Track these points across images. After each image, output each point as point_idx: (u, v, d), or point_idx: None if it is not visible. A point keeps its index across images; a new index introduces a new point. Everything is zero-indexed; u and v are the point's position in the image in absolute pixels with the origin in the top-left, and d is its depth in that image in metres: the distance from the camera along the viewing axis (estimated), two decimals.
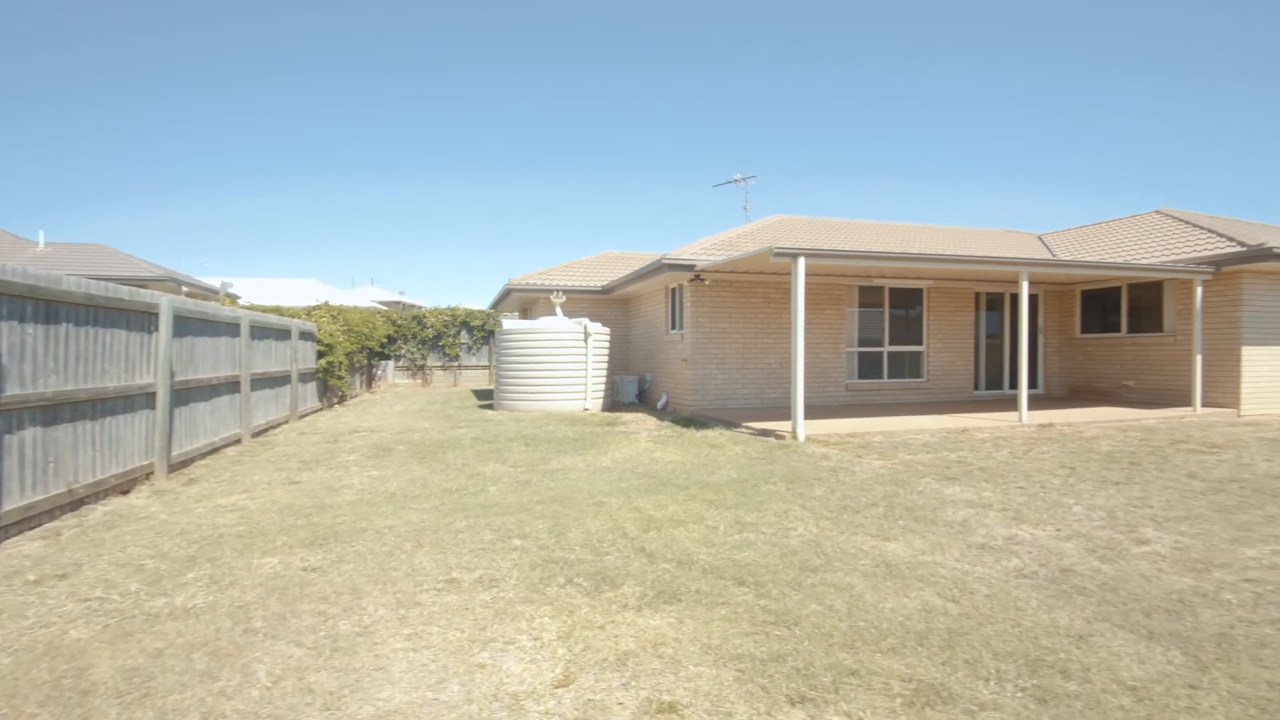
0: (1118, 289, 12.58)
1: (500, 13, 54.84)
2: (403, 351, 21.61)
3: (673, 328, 12.32)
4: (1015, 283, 13.10)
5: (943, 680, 2.43)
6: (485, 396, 15.73)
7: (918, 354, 12.88)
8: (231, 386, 8.52)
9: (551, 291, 13.72)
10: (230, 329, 8.52)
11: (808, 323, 12.01)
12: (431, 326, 21.59)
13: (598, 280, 15.01)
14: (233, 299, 19.02)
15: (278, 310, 16.35)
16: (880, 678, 2.46)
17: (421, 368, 21.74)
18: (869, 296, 12.57)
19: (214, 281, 20.99)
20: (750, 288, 11.67)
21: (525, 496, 5.42)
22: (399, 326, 21.37)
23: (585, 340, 11.77)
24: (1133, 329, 12.35)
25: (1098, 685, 2.39)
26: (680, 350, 11.75)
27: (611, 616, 3.05)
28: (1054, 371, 13.84)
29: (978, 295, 13.28)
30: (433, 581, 3.55)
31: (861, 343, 12.55)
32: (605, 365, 12.43)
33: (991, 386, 13.45)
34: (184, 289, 17.01)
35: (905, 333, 12.84)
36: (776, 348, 11.81)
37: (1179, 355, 11.25)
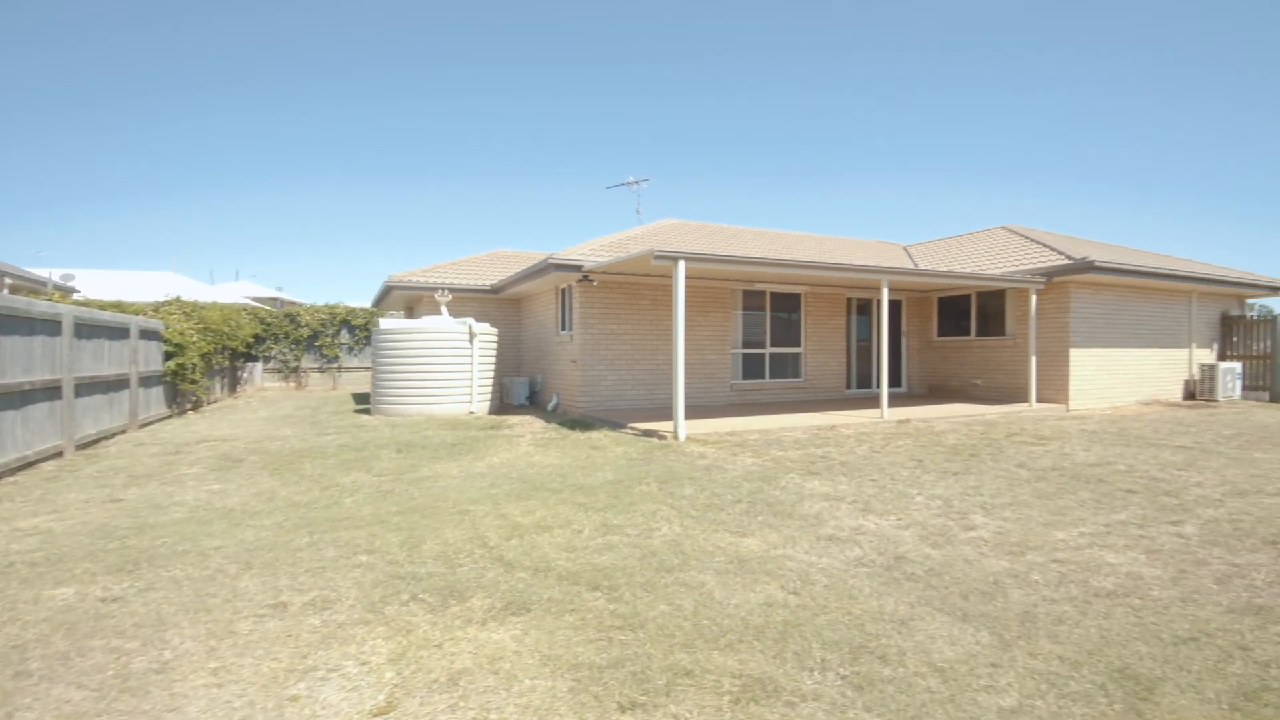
0: (968, 296, 13.88)
1: (402, 15, 52.25)
2: (273, 352, 19.93)
3: (562, 329, 12.17)
4: (890, 288, 14.13)
5: (771, 674, 2.49)
6: (364, 400, 14.79)
7: (796, 355, 13.55)
8: (50, 392, 7.43)
9: (436, 290, 13.14)
10: (48, 326, 7.43)
11: (695, 325, 12.29)
12: (306, 325, 20.06)
13: (486, 279, 14.56)
14: (65, 293, 16.68)
15: (118, 306, 14.55)
16: (713, 676, 2.48)
17: (295, 370, 20.14)
18: (752, 300, 13.06)
19: (45, 273, 18.33)
20: (639, 290, 11.76)
21: (384, 508, 5.09)
22: (268, 325, 19.69)
23: (470, 341, 11.36)
24: (980, 333, 13.66)
25: (910, 669, 2.54)
26: (570, 351, 11.63)
27: (453, 633, 2.89)
28: (915, 371, 15.04)
29: (849, 301, 14.18)
30: (255, 607, 3.22)
31: (745, 344, 13.01)
32: (492, 367, 12.06)
33: (862, 385, 14.39)
34: (6, 281, 14.74)
35: (785, 335, 13.46)
36: (665, 349, 11.98)
37: (1018, 356, 12.57)
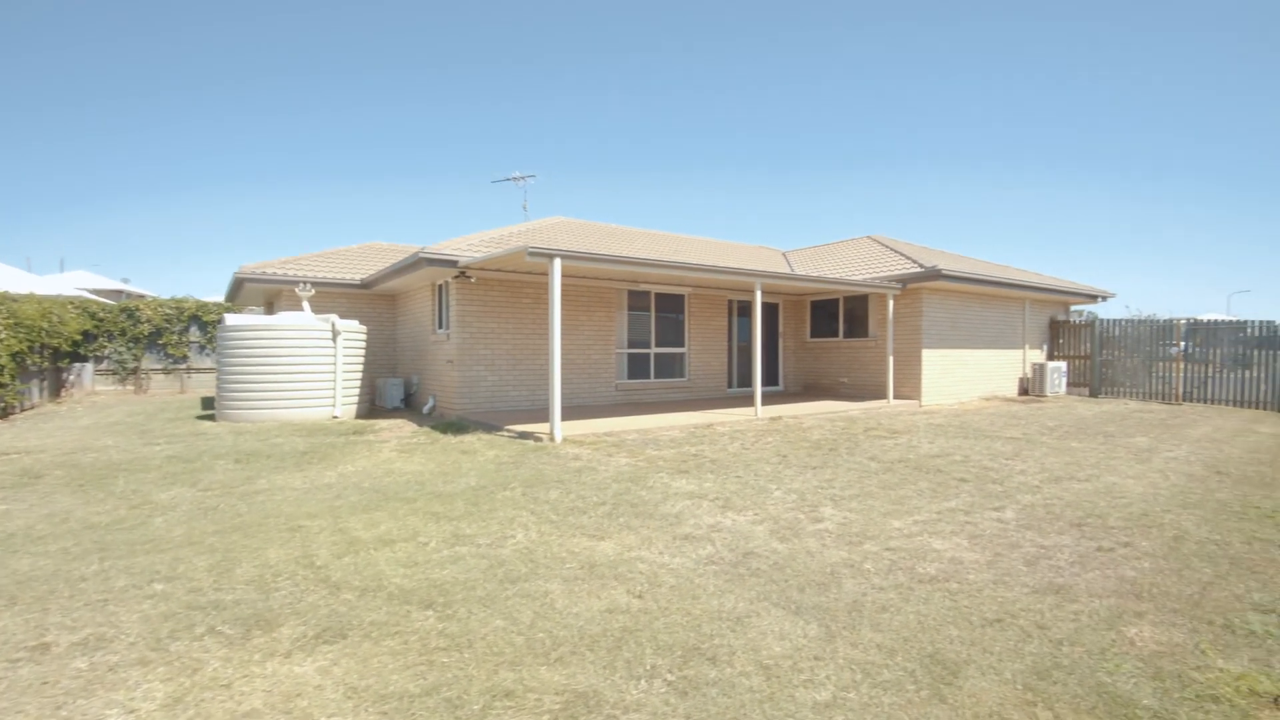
0: (837, 300, 14.77)
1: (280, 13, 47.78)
2: (108, 351, 17.51)
3: (439, 327, 11.59)
4: (765, 292, 14.68)
5: (598, 686, 2.38)
6: (213, 406, 13.30)
7: (681, 355, 13.78)
8: None
9: (297, 283, 12.08)
10: None
11: (580, 324, 12.15)
12: (148, 321, 17.81)
13: (359, 273, 13.60)
14: None
15: None
16: (535, 695, 2.33)
17: (134, 371, 17.82)
18: (638, 301, 13.11)
19: None
20: (521, 287, 11.43)
21: (200, 527, 4.51)
22: (101, 321, 17.29)
23: (334, 339, 10.52)
24: (848, 335, 14.57)
25: (737, 668, 2.53)
26: (446, 351, 11.08)
27: (248, 669, 2.54)
28: (791, 370, 15.79)
29: (731, 303, 14.63)
30: (10, 650, 2.69)
31: (631, 344, 13.04)
32: (360, 367, 11.25)
33: (743, 384, 14.89)
34: None
35: (670, 335, 13.64)
36: (549, 349, 11.74)
37: (879, 356, 13.51)
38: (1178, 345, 14.62)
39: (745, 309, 15.08)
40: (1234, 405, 13.61)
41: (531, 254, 7.76)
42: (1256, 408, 13.25)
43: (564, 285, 11.96)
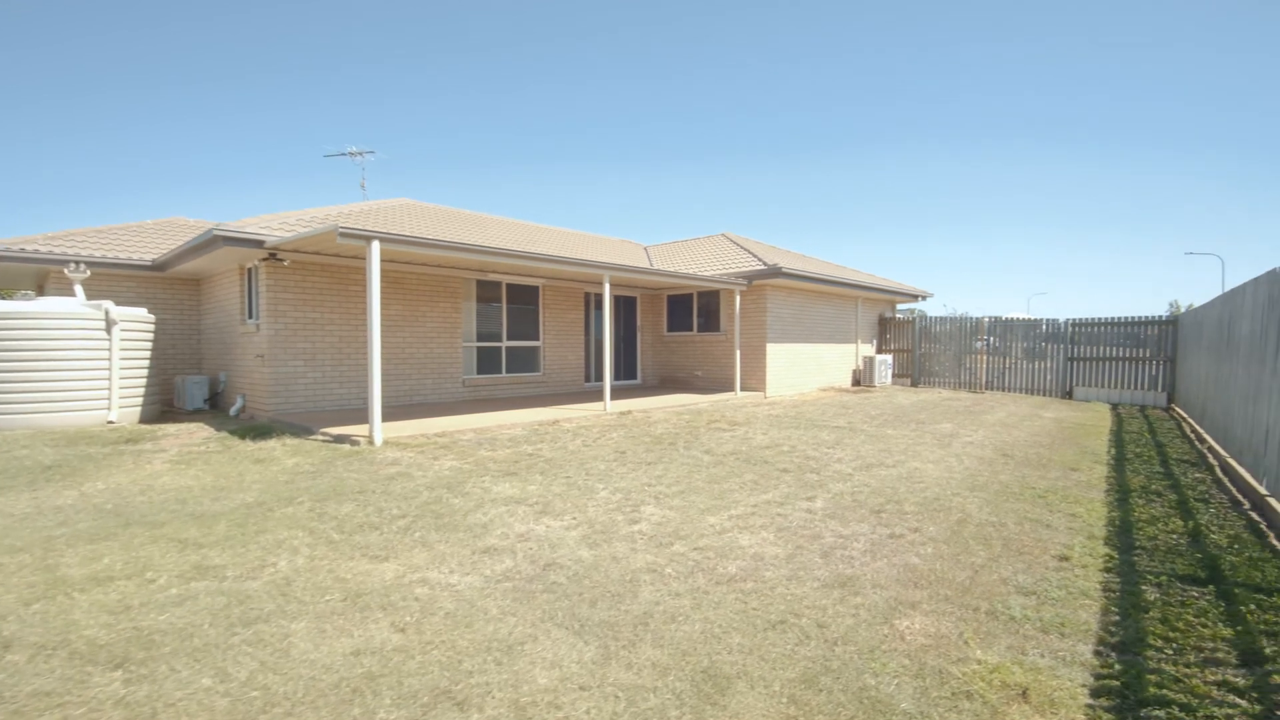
0: (691, 296, 15.03)
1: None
2: None
3: (249, 317, 10.19)
4: (623, 285, 14.56)
5: None
6: None
7: (535, 349, 13.30)
8: None
9: (66, 263, 10.07)
10: None
11: (422, 316, 11.27)
12: None
13: (151, 252, 11.64)
14: None
15: None
16: None
17: None
18: (488, 291, 12.44)
19: None
20: (349, 273, 10.35)
21: None
22: None
23: (109, 330, 8.84)
24: (702, 329, 14.89)
25: (487, 713, 2.19)
26: (257, 344, 9.75)
27: None
28: (650, 364, 15.89)
29: (588, 295, 14.37)
30: None
31: (481, 337, 12.35)
32: (146, 362, 9.59)
33: (601, 378, 14.72)
34: None
35: (523, 328, 13.11)
36: (384, 341, 10.75)
37: (729, 350, 13.92)
38: (982, 340, 16.53)
39: (603, 302, 14.90)
40: (1026, 393, 15.62)
41: (344, 235, 6.92)
42: (1044, 395, 15.29)
43: (405, 274, 11.03)
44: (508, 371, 12.78)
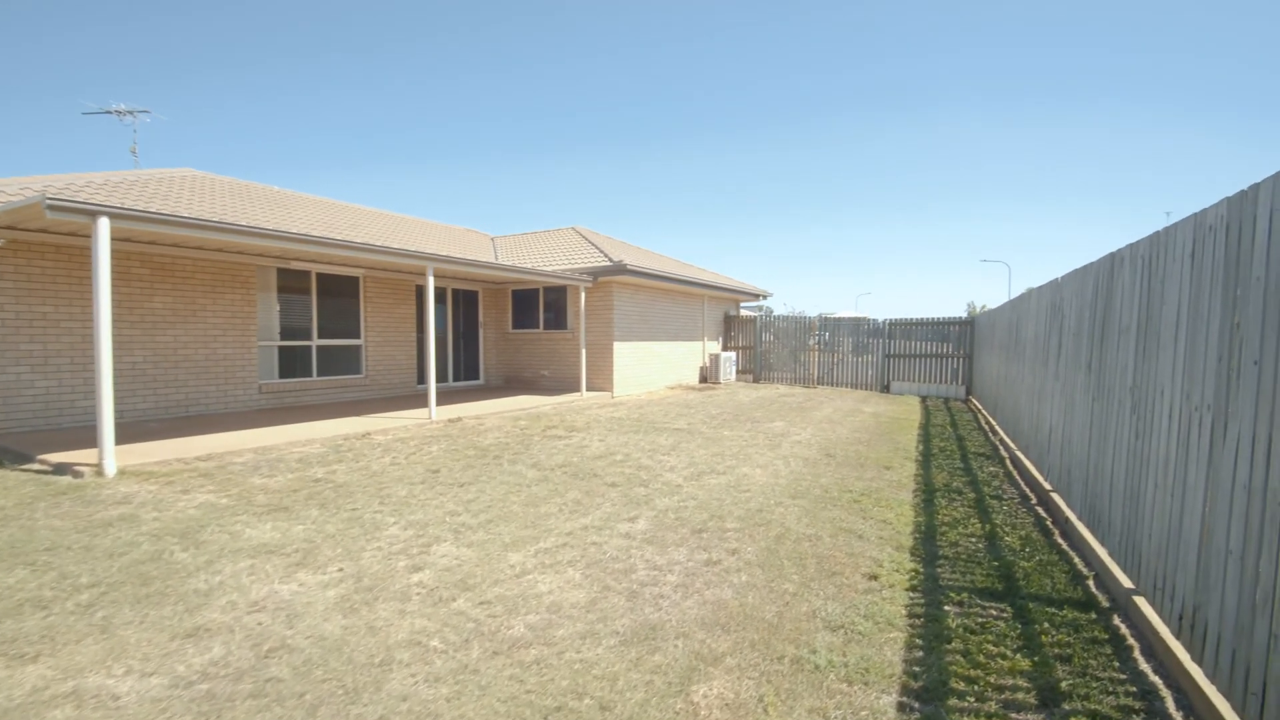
0: (537, 291, 14.28)
1: None
2: None
3: None
4: (460, 278, 13.42)
5: None
6: None
7: (356, 348, 11.82)
8: None
9: None
10: None
11: (200, 310, 9.47)
12: None
13: None
14: None
15: None
16: None
17: None
18: (293, 281, 10.78)
19: None
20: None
21: None
22: None
23: None
24: (548, 326, 14.20)
25: None
26: None
27: None
28: (494, 363, 14.91)
29: (421, 288, 13.09)
30: None
31: (285, 335, 10.68)
32: None
33: (438, 379, 13.49)
34: None
35: (340, 324, 11.58)
36: (147, 341, 8.85)
37: (577, 348, 13.38)
38: (815, 337, 17.52)
39: (441, 295, 13.67)
40: (851, 387, 16.76)
41: (54, 208, 5.34)
42: (866, 389, 16.48)
43: (177, 259, 9.15)
44: (320, 374, 11.22)
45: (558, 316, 14.08)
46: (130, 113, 12.56)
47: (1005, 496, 5.70)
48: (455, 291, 13.99)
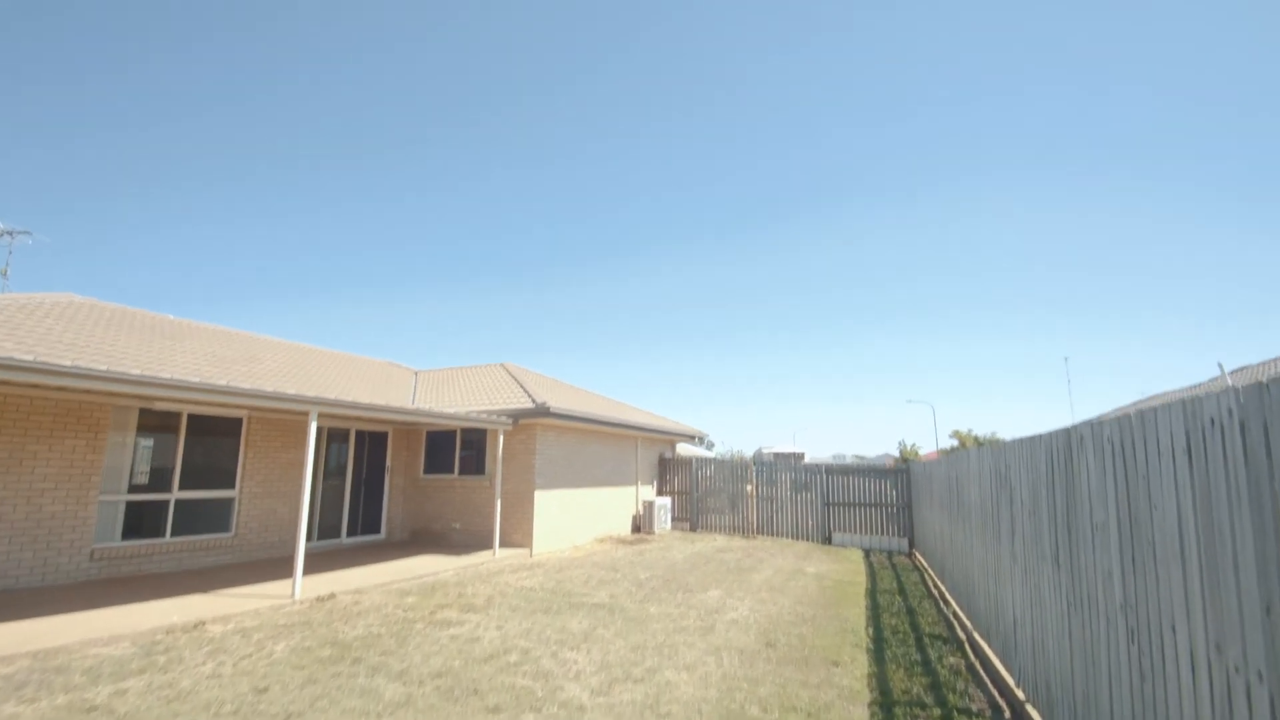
0: (454, 433, 13.15)
1: None
2: None
3: None
4: (366, 419, 12.19)
5: None
6: None
7: (227, 501, 10.16)
8: None
9: None
10: None
11: (31, 457, 7.91)
12: None
13: None
14: None
15: None
16: None
17: None
18: (158, 422, 9.35)
19: None
20: None
21: None
22: None
23: None
24: (464, 471, 12.92)
25: None
26: None
27: None
28: (400, 514, 13.29)
29: (321, 430, 11.76)
30: None
31: (136, 487, 9.04)
32: None
33: (327, 535, 11.76)
34: None
35: (211, 473, 10.01)
36: None
37: (493, 498, 12.07)
38: (751, 486, 16.74)
39: (337, 437, 12.31)
40: (792, 538, 15.80)
41: None
42: (808, 540, 15.55)
43: (9, 398, 7.72)
44: (176, 533, 9.45)
45: (476, 461, 12.87)
46: (9, 233, 11.47)
47: (975, 713, 4.72)
48: (361, 433, 12.69)
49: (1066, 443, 3.83)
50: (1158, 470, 2.64)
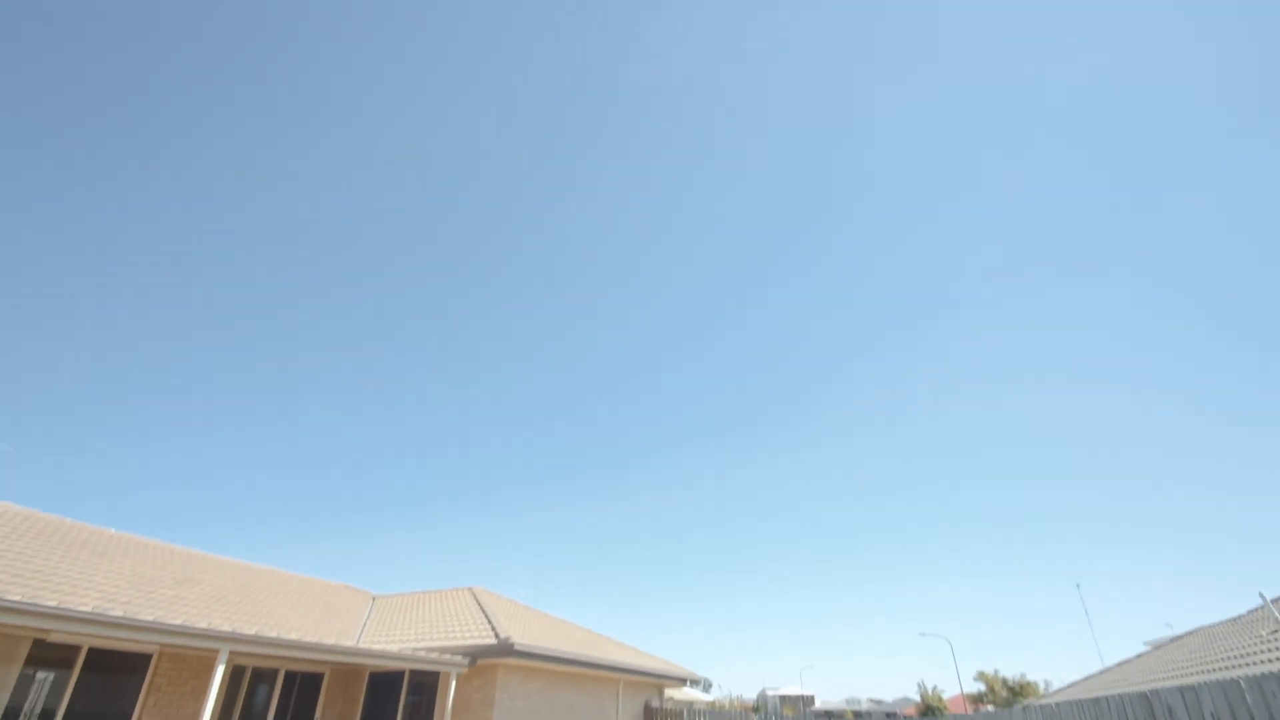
0: (401, 674, 11.27)
1: None
2: None
3: None
4: (293, 660, 10.52)
5: None
6: None
7: None
8: None
9: None
10: None
11: None
12: None
13: None
14: None
15: None
16: None
17: None
18: (50, 655, 7.88)
19: None
20: None
21: None
22: None
23: None
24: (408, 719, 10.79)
25: None
26: None
27: None
28: None
29: (242, 670, 10.02)
30: None
31: None
32: None
33: None
34: None
35: None
36: None
37: None
38: None
39: (264, 676, 10.47)
40: None
41: None
42: None
43: None
44: None
45: (424, 710, 10.81)
46: None
47: None
48: (292, 674, 10.82)
49: (1149, 711, 2.96)
50: None
